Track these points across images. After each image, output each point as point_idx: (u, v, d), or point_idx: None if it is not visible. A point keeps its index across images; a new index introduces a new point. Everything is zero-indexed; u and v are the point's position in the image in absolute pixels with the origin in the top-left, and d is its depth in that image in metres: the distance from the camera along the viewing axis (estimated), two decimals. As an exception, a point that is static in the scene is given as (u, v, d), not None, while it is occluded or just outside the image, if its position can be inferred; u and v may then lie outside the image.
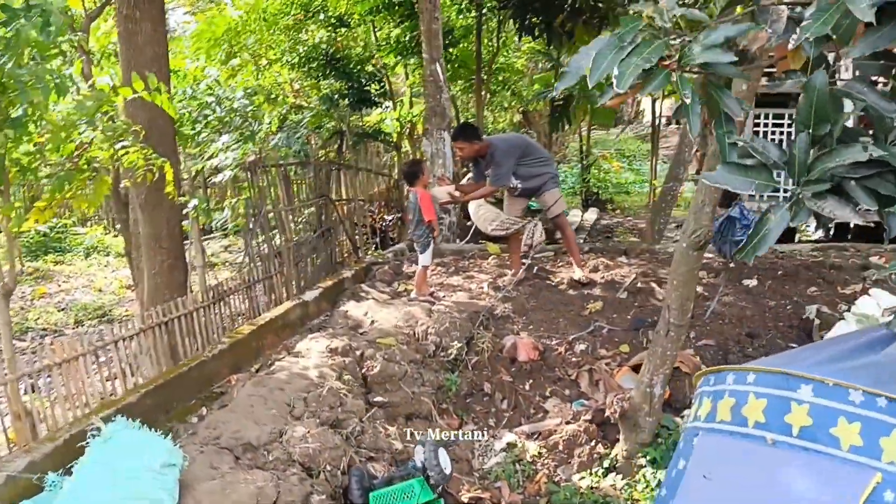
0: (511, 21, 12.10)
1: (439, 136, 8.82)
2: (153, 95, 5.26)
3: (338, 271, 9.89)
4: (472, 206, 6.78)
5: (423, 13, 8.70)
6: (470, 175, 6.95)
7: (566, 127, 14.07)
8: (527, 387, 5.27)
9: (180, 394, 4.19)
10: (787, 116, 9.07)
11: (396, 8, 10.90)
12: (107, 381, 4.91)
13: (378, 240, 11.00)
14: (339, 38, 9.47)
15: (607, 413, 4.61)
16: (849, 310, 5.62)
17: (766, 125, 9.11)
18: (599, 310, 5.93)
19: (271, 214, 7.21)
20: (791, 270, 6.46)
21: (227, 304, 6.10)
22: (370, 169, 12.24)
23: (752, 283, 6.34)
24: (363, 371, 4.90)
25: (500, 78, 14.22)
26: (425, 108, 8.93)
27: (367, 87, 9.79)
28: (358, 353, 5.06)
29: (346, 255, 10.31)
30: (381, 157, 14.46)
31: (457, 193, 6.44)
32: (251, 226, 7.37)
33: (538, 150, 6.53)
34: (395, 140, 11.55)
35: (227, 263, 11.83)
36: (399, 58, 11.40)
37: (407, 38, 11.13)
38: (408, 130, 12.76)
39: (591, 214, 15.45)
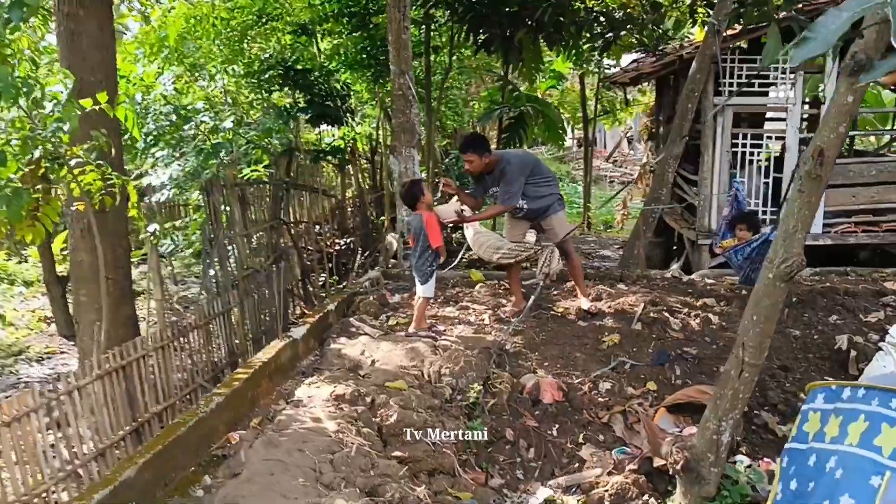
0: (465, 36, 11.77)
1: (409, 155, 8.29)
2: (118, 110, 4.59)
3: (315, 303, 9.26)
4: (468, 232, 6.28)
5: (391, 22, 8.18)
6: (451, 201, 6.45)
7: (520, 146, 13.77)
8: (554, 432, 4.78)
9: (178, 460, 3.50)
10: (764, 137, 8.99)
11: (347, 18, 10.37)
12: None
13: (331, 266, 10.37)
14: (299, 47, 8.83)
15: (659, 463, 4.20)
16: (882, 339, 5.39)
17: (744, 145, 9.00)
18: (617, 343, 5.52)
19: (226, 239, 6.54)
20: (806, 297, 6.23)
21: (187, 342, 5.43)
22: (323, 189, 11.62)
23: (768, 310, 6.06)
24: (377, 421, 4.31)
25: (450, 96, 13.88)
26: (393, 124, 8.39)
27: (329, 102, 9.16)
28: (368, 399, 4.47)
29: (294, 283, 9.65)
30: (324, 177, 13.85)
31: (466, 212, 5.92)
32: (208, 252, 6.67)
33: (545, 170, 6.11)
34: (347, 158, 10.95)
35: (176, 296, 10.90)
36: (350, 71, 10.86)
37: (359, 49, 10.60)
38: (349, 149, 12.19)
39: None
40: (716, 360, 5.38)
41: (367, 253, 12.28)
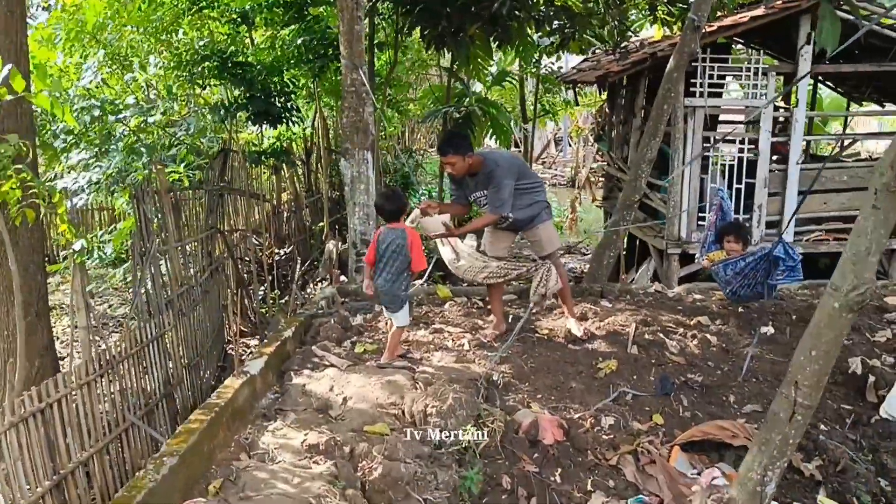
0: (411, 29, 11.21)
1: (362, 157, 7.66)
2: (38, 97, 3.86)
3: (254, 320, 8.59)
4: (445, 249, 5.69)
5: (342, 11, 7.53)
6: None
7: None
8: (557, 478, 4.23)
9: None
10: (737, 142, 8.72)
11: (281, 8, 9.64)
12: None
13: (271, 278, 9.65)
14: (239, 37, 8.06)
15: (688, 515, 3.73)
16: (897, 362, 5.08)
17: (715, 148, 8.71)
18: (615, 370, 5.04)
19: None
20: (805, 314, 5.88)
21: (116, 375, 4.71)
22: (260, 195, 10.86)
23: (769, 330, 5.70)
24: (360, 475, 3.70)
25: (395, 95, 13.30)
26: (345, 124, 7.74)
27: (273, 99, 8.41)
28: (346, 449, 3.85)
29: (230, 298, 8.91)
30: (257, 180, 13.06)
31: (451, 225, 5.33)
32: (140, 267, 5.91)
33: (532, 173, 5.59)
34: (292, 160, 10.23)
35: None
36: (287, 65, 10.14)
37: (298, 43, 9.88)
38: (285, 149, 11.45)
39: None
40: (723, 388, 4.96)
41: (307, 263, 11.61)
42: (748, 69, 8.49)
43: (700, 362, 5.23)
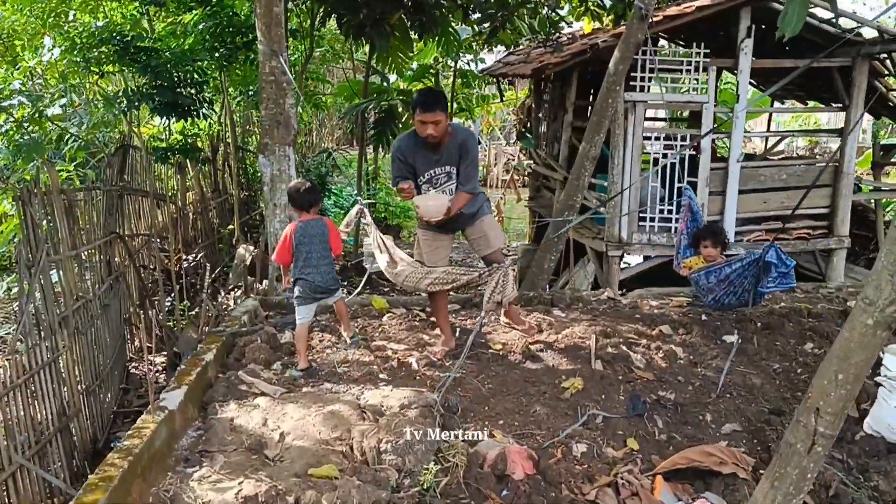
0: (330, 18, 10.64)
1: (283, 154, 7.05)
2: None
3: (160, 334, 7.95)
4: (382, 257, 5.16)
5: (260, -9, 6.92)
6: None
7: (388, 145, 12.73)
8: (530, 519, 3.79)
9: None
10: (679, 137, 8.50)
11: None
12: None
13: (178, 287, 8.86)
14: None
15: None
16: (874, 373, 4.85)
17: (656, 145, 8.47)
18: (581, 389, 4.62)
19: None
20: (770, 322, 5.64)
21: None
22: (166, 195, 10.00)
23: (734, 338, 5.41)
24: (307, 533, 3.15)
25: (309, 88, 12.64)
26: (264, 117, 7.10)
27: (182, 90, 7.65)
28: (290, 499, 3.28)
29: (132, 311, 8.14)
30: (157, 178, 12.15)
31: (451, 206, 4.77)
32: (27, 280, 5.14)
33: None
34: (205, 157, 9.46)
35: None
36: (197, 54, 9.38)
37: (204, 28, 9.13)
38: (191, 146, 10.66)
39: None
40: (698, 407, 4.62)
41: (217, 269, 10.83)
42: (688, 63, 8.28)
43: (669, 377, 4.87)
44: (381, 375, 4.67)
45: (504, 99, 15.77)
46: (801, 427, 3.01)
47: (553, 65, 8.69)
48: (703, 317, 5.73)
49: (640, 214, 8.56)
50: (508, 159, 26.13)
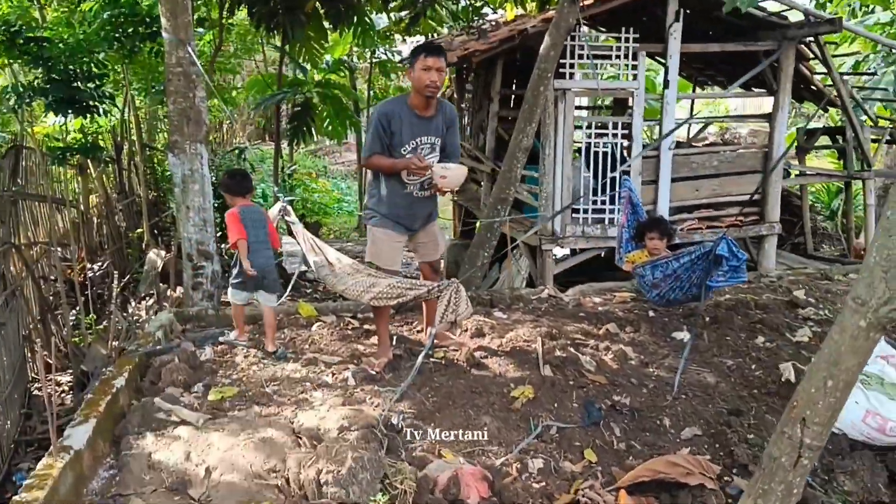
0: (241, 6, 10.13)
1: (195, 152, 6.56)
2: None
3: (64, 350, 7.40)
4: (316, 259, 4.77)
5: (164, -27, 6.39)
6: None
7: (309, 139, 12.28)
8: (488, 546, 3.51)
9: None
10: (611, 125, 8.35)
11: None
12: None
13: (84, 299, 8.25)
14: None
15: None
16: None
17: (588, 136, 8.30)
18: (532, 397, 4.36)
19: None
20: (718, 315, 5.51)
21: None
22: (65, 199, 9.33)
23: (683, 335, 5.25)
24: (244, 587, 2.78)
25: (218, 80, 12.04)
26: (171, 112, 6.58)
27: (78, 83, 7.02)
28: (222, 549, 2.91)
29: (32, 327, 7.56)
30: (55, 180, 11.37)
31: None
32: None
33: None
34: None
35: None
36: (95, 45, 8.72)
37: (105, 18, 8.49)
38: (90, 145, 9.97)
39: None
40: (655, 411, 4.41)
41: (126, 277, 10.19)
42: (618, 49, 8.14)
43: (622, 380, 4.66)
44: (315, 393, 4.30)
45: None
46: (785, 439, 2.82)
47: (480, 52, 8.41)
48: (651, 313, 5.56)
49: (573, 206, 8.38)
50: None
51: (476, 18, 9.50)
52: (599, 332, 5.31)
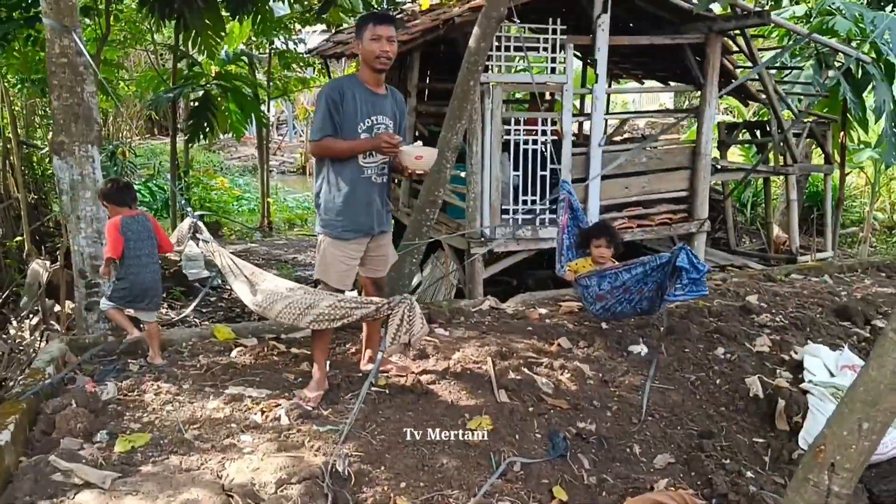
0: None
1: (85, 155, 5.85)
2: None
3: None
4: (236, 282, 4.24)
5: (41, -49, 5.65)
6: None
7: (212, 136, 11.53)
8: None
9: None
10: (540, 122, 8.02)
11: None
12: None
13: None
14: None
15: None
16: (797, 378, 4.56)
17: (517, 131, 7.95)
18: (491, 429, 3.95)
19: None
20: (672, 325, 5.23)
21: None
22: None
23: (640, 348, 4.95)
24: None
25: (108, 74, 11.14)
26: (57, 109, 5.84)
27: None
28: None
29: None
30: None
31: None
32: None
33: None
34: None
35: None
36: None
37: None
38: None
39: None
40: (623, 437, 4.09)
41: (6, 292, 9.27)
42: (545, 39, 7.81)
43: (584, 403, 4.31)
44: (244, 437, 3.75)
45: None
46: (810, 487, 2.50)
47: (401, 42, 7.94)
48: (604, 325, 5.24)
49: (503, 207, 8.03)
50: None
51: (390, 7, 9.03)
52: (551, 348, 4.95)
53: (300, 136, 27.13)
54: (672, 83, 11.41)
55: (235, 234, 16.38)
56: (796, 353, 4.83)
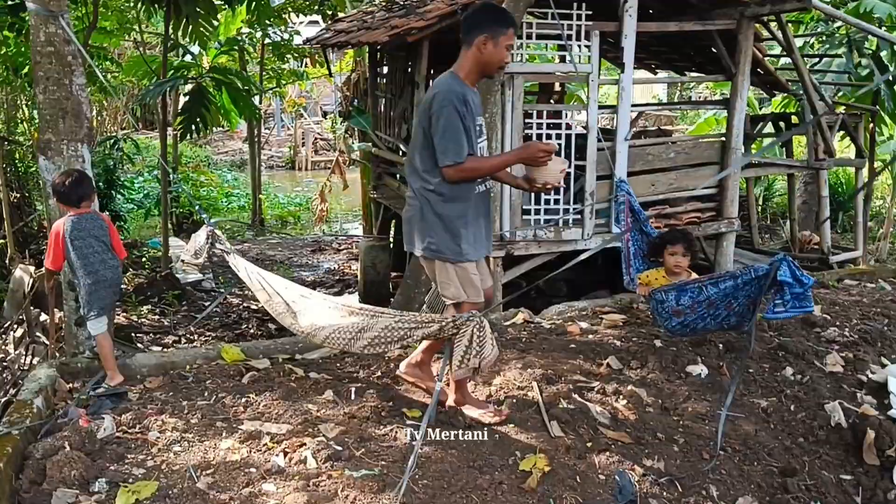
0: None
1: (74, 154, 5.34)
2: None
3: None
4: (271, 302, 3.75)
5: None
6: None
7: (206, 131, 11.00)
8: None
9: None
10: (565, 115, 7.55)
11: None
12: None
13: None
14: None
15: None
16: (885, 405, 4.11)
17: (538, 125, 7.47)
18: (547, 470, 3.47)
19: None
20: (730, 341, 4.77)
21: None
22: None
23: (700, 369, 4.48)
24: None
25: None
26: (41, 103, 5.33)
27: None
28: None
29: None
30: None
31: None
32: None
33: None
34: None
35: None
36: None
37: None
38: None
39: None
40: (697, 477, 3.63)
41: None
42: (570, 28, 7.33)
43: (647, 436, 3.85)
44: (265, 486, 3.27)
45: (332, 73, 14.26)
46: None
47: (417, 30, 7.43)
48: (657, 342, 4.77)
49: (524, 207, 7.56)
50: (316, 139, 24.83)
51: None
52: (601, 369, 4.49)
53: (289, 129, 26.55)
54: (689, 73, 10.97)
55: (226, 233, 15.87)
56: (874, 373, 4.39)
